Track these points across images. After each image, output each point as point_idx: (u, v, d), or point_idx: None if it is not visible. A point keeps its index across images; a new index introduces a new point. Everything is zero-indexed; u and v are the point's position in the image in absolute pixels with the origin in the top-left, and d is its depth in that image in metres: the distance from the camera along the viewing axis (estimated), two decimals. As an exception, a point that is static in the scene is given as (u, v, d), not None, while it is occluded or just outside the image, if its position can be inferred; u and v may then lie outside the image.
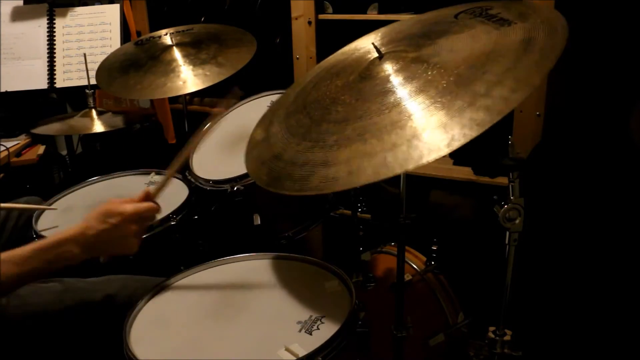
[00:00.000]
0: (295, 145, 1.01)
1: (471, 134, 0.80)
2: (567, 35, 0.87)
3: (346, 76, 1.09)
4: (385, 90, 0.96)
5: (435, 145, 0.81)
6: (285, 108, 1.16)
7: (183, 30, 1.85)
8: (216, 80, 1.66)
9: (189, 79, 1.66)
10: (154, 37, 1.84)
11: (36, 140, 2.10)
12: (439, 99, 0.88)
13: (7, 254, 1.01)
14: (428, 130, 0.84)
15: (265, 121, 1.19)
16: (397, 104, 0.92)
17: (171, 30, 1.85)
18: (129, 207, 1.08)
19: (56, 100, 2.30)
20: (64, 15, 2.21)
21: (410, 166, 0.81)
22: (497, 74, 0.86)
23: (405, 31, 1.16)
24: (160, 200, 1.61)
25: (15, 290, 1.07)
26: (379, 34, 1.21)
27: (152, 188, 1.17)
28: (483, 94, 0.84)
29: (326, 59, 1.27)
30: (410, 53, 1.02)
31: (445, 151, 0.80)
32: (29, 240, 1.43)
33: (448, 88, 0.89)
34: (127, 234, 1.08)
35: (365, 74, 1.03)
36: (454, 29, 1.04)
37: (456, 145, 0.80)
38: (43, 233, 1.46)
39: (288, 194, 0.93)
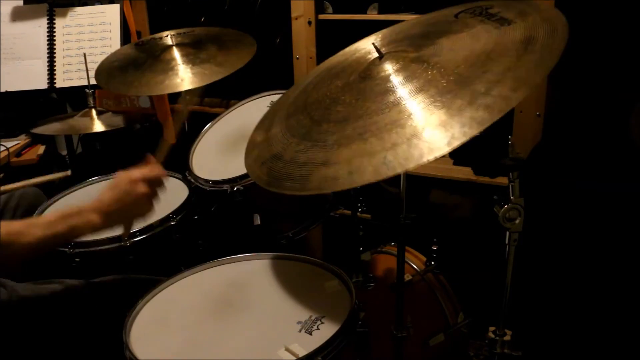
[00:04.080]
0: (296, 145, 1.00)
1: (471, 132, 0.80)
2: (567, 34, 0.87)
3: (346, 76, 1.09)
4: (385, 89, 0.96)
5: (435, 144, 0.81)
6: (285, 109, 1.16)
7: (184, 33, 1.85)
8: (214, 79, 1.66)
9: (187, 76, 1.66)
10: (154, 39, 1.84)
11: (36, 140, 2.10)
12: (439, 98, 0.87)
13: (33, 219, 1.13)
14: (428, 129, 0.84)
15: (265, 123, 1.19)
16: (397, 103, 0.92)
17: (172, 32, 1.85)
18: (135, 172, 1.15)
19: (56, 100, 2.30)
20: (64, 15, 2.21)
21: (411, 165, 0.81)
22: (498, 73, 0.86)
23: (406, 32, 1.16)
24: (160, 200, 1.63)
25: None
26: (380, 35, 1.21)
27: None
28: (483, 92, 0.84)
29: (326, 61, 1.27)
30: (411, 53, 1.02)
31: (445, 150, 0.80)
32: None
33: (448, 87, 0.89)
34: (139, 197, 1.13)
35: (366, 74, 1.03)
36: (455, 28, 1.04)
37: (456, 143, 0.80)
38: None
39: (289, 193, 0.93)
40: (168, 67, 1.69)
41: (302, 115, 1.08)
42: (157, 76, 1.67)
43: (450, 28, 1.04)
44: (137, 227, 1.45)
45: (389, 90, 0.95)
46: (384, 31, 1.22)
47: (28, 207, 1.55)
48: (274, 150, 1.05)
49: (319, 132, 0.99)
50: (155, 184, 1.16)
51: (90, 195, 1.68)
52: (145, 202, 1.14)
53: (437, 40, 1.02)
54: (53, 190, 1.67)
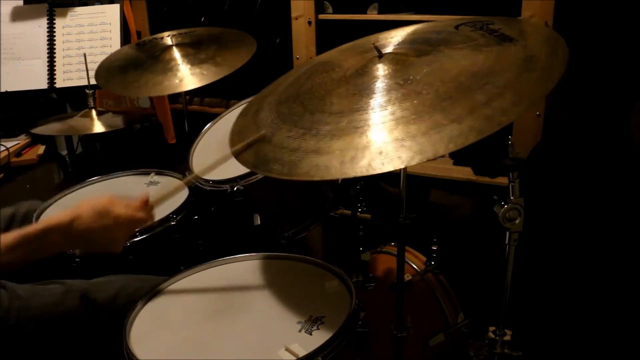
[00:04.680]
0: (287, 131, 1.01)
1: (469, 140, 0.81)
2: (567, 58, 0.89)
3: (343, 71, 1.09)
4: (384, 88, 0.96)
5: (431, 146, 0.82)
6: (276, 95, 1.16)
7: (185, 33, 1.85)
8: (213, 79, 1.66)
9: (185, 77, 1.66)
10: (155, 39, 1.84)
11: (36, 140, 2.10)
12: (439, 103, 0.88)
13: None
14: (426, 131, 0.84)
15: (253, 107, 1.19)
16: (395, 103, 0.92)
17: (173, 32, 1.84)
18: (125, 214, 1.06)
19: (56, 100, 2.30)
20: (64, 15, 2.21)
21: (406, 164, 0.82)
22: (498, 86, 0.87)
23: (405, 37, 1.17)
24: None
25: None
26: (379, 37, 1.21)
27: (152, 197, 1.14)
28: (484, 103, 0.85)
29: (322, 55, 1.28)
30: (411, 56, 1.03)
31: (441, 153, 0.81)
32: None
33: (448, 93, 0.89)
34: (115, 238, 1.08)
35: (364, 71, 1.04)
36: (456, 39, 1.05)
37: (452, 148, 0.80)
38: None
39: (275, 177, 0.93)
40: (167, 68, 1.69)
41: (294, 103, 1.08)
42: (156, 77, 1.67)
43: (451, 38, 1.06)
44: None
45: (388, 90, 0.96)
46: (382, 35, 1.23)
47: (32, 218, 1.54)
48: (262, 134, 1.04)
49: (312, 120, 0.99)
50: (136, 228, 1.11)
51: (90, 195, 1.68)
52: (118, 244, 1.09)
53: (439, 48, 1.03)
54: (52, 192, 1.67)
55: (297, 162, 0.92)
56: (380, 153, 0.84)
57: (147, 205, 1.11)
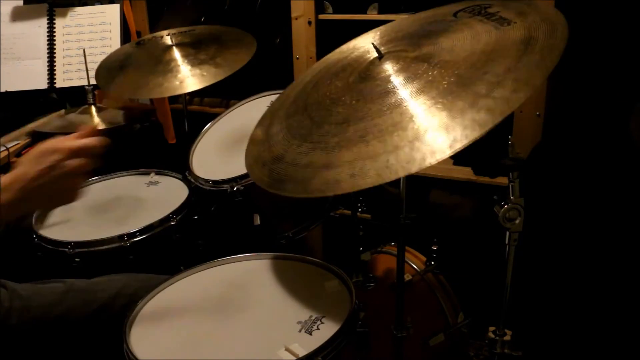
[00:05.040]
0: (297, 147, 1.00)
1: (473, 135, 0.80)
2: (567, 35, 0.87)
3: (346, 76, 1.08)
4: (386, 90, 0.96)
5: (437, 147, 0.81)
6: (285, 109, 1.16)
7: (185, 32, 1.84)
8: (213, 81, 1.66)
9: (186, 79, 1.66)
10: (155, 38, 1.84)
11: (36, 140, 2.10)
12: (440, 100, 0.87)
13: None
14: (430, 131, 0.84)
15: (265, 121, 1.19)
16: (398, 105, 0.91)
17: (173, 31, 1.84)
18: (67, 143, 0.94)
19: (56, 100, 2.30)
20: (64, 15, 2.21)
21: (414, 169, 0.81)
22: (498, 74, 0.86)
23: (404, 30, 1.15)
24: (160, 200, 1.63)
25: None
26: (378, 33, 1.21)
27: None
28: (484, 94, 0.84)
29: (324, 58, 1.27)
30: (410, 53, 1.01)
31: (448, 153, 0.80)
32: (24, 236, 1.44)
33: (449, 89, 0.88)
34: (67, 174, 0.93)
35: (365, 74, 1.03)
36: (454, 27, 1.03)
37: (459, 146, 0.80)
38: (42, 232, 1.46)
39: (290, 196, 0.93)
40: (167, 69, 1.69)
41: (302, 116, 1.07)
42: (156, 78, 1.67)
43: (449, 27, 1.04)
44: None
45: (389, 92, 0.95)
46: (381, 28, 1.22)
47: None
48: (275, 152, 1.04)
49: (320, 133, 0.98)
50: (88, 156, 0.96)
51: (89, 195, 1.68)
52: (74, 182, 0.95)
53: (437, 40, 1.01)
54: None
55: (309, 179, 0.91)
56: (388, 160, 0.83)
57: (93, 132, 1.00)
